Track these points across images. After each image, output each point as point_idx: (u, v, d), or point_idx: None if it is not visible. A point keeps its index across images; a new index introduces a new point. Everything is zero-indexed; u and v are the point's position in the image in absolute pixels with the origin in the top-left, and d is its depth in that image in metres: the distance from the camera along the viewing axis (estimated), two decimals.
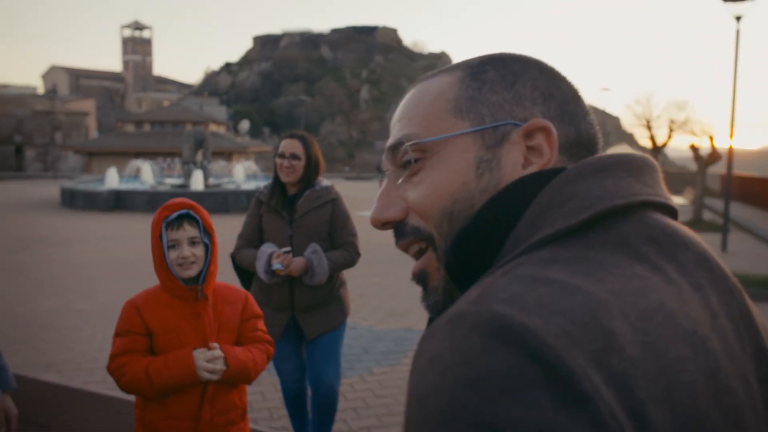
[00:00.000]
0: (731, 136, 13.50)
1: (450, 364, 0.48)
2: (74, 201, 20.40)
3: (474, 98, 0.69)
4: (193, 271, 2.07)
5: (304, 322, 3.23)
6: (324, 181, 3.35)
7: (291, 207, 3.24)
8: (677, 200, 25.86)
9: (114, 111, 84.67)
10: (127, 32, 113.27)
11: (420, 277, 0.73)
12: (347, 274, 3.52)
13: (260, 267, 3.13)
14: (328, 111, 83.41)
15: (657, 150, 21.13)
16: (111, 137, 48.55)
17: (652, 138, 21.08)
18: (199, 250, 2.08)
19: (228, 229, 3.36)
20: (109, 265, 9.85)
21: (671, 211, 0.66)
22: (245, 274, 3.41)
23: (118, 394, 4.38)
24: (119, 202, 19.68)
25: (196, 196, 18.91)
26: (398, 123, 0.74)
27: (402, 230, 0.72)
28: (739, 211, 21.29)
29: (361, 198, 21.02)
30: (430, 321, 0.72)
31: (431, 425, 0.47)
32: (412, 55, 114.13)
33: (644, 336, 0.50)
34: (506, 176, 0.67)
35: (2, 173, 43.62)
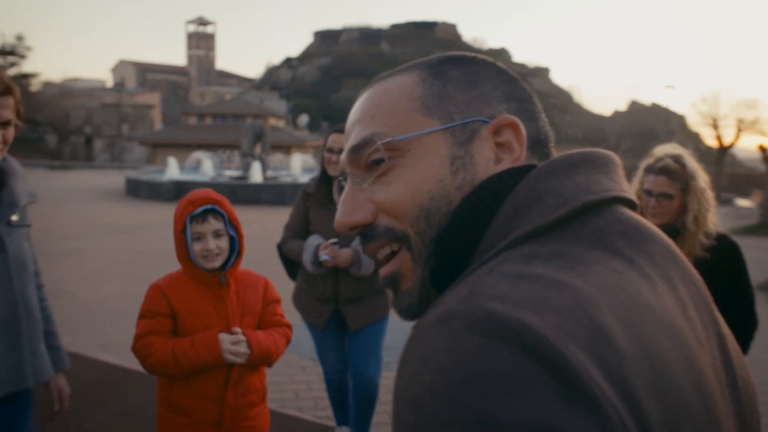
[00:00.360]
0: None
1: (445, 365, 0.47)
2: (138, 190, 21.06)
3: (441, 96, 0.69)
4: (217, 263, 2.12)
5: (347, 314, 3.27)
6: None
7: None
8: (744, 203, 24.89)
9: (178, 104, 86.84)
10: (192, 27, 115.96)
11: (391, 280, 0.71)
12: None
13: (307, 258, 3.17)
14: None
15: (724, 150, 20.45)
16: (174, 129, 49.82)
17: (719, 138, 20.40)
18: (224, 242, 2.13)
19: (284, 221, 3.44)
20: (168, 252, 10.15)
21: (634, 207, 0.67)
22: (291, 264, 3.47)
23: None
24: (180, 192, 20.20)
25: (254, 187, 19.31)
26: (359, 124, 0.72)
27: (372, 233, 0.70)
28: None
29: None
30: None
31: (429, 428, 0.45)
32: (471, 50, 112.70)
33: (630, 329, 0.50)
34: (480, 172, 0.67)
35: (73, 163, 45.36)
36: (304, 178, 21.91)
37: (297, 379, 4.87)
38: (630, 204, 0.66)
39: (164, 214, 16.29)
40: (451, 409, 0.45)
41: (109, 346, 5.52)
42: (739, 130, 20.27)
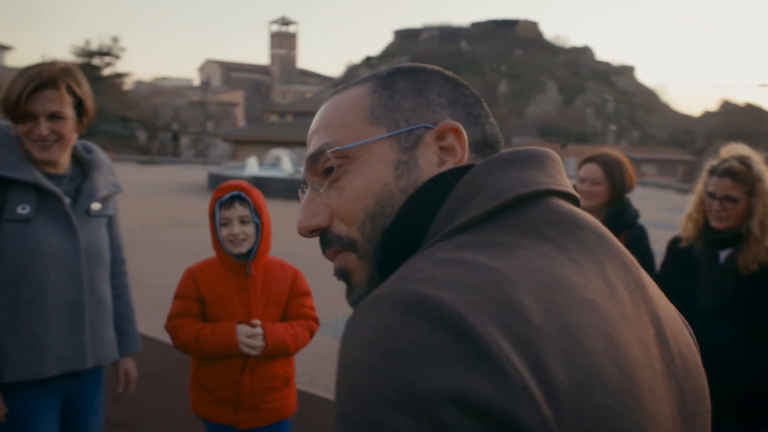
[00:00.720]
0: None
1: (373, 340, 0.52)
2: (219, 185, 21.71)
3: (387, 105, 0.74)
4: (243, 248, 2.19)
5: None
6: None
7: None
8: None
9: (260, 102, 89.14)
10: (275, 27, 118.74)
11: (342, 274, 0.76)
12: None
13: None
14: None
15: None
16: (257, 127, 51.11)
17: None
18: (249, 229, 2.20)
19: None
20: None
21: (573, 199, 0.72)
22: None
23: None
24: (259, 188, 20.55)
25: None
26: (316, 134, 0.77)
27: (327, 238, 0.75)
28: None
29: None
30: None
31: (357, 394, 0.51)
32: (553, 48, 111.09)
33: (546, 304, 0.55)
34: (424, 175, 0.72)
35: (160, 158, 47.30)
36: None
37: None
38: (569, 197, 0.71)
39: None
40: (376, 378, 0.50)
41: None
42: None
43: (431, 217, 0.69)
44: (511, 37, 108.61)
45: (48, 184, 1.95)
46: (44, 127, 1.90)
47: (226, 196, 2.21)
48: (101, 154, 2.19)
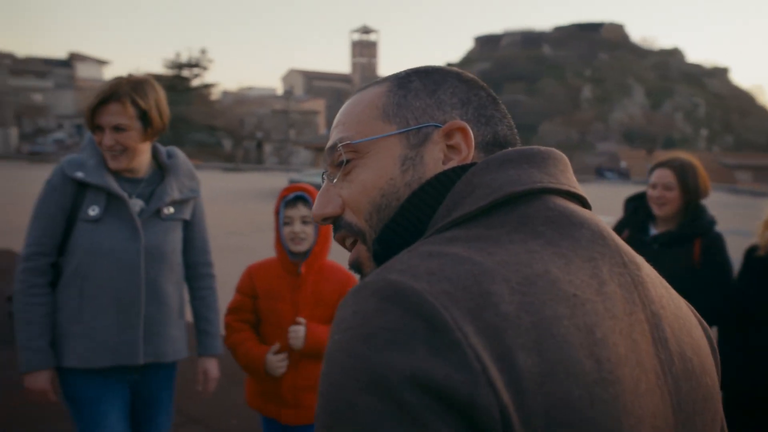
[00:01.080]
0: None
1: (351, 325, 0.56)
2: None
3: (400, 104, 0.78)
4: (302, 247, 2.29)
5: None
6: None
7: None
8: None
9: None
10: (356, 36, 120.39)
11: (355, 266, 0.81)
12: None
13: None
14: (547, 111, 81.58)
15: None
16: None
17: None
18: (310, 229, 2.31)
19: None
20: None
21: (579, 198, 0.74)
22: None
23: None
24: None
25: None
26: (335, 129, 0.82)
27: (338, 224, 0.80)
28: None
29: None
30: None
31: (334, 375, 0.55)
32: (640, 51, 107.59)
33: (522, 297, 0.57)
34: (428, 171, 0.75)
35: (244, 165, 48.72)
36: None
37: None
38: (573, 196, 0.73)
39: None
40: (350, 359, 0.54)
41: None
42: None
43: (432, 212, 0.72)
44: (596, 40, 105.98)
45: (115, 187, 2.10)
46: (109, 138, 2.07)
47: (291, 195, 2.32)
48: (180, 160, 2.32)
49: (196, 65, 65.58)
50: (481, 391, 0.51)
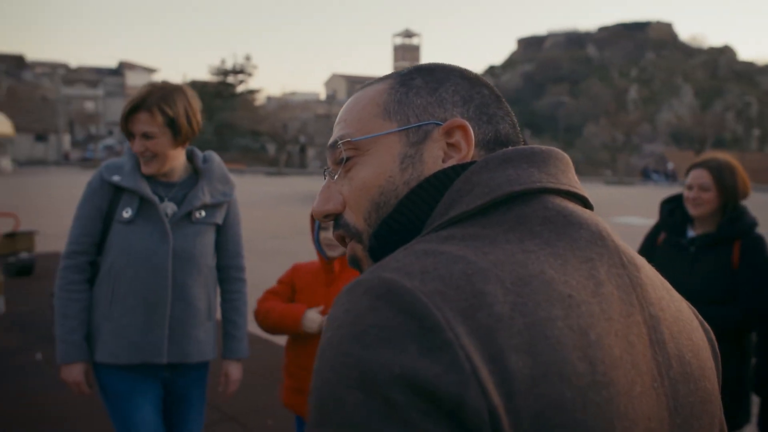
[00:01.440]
0: None
1: (343, 322, 0.56)
2: None
3: (401, 102, 0.78)
4: (336, 253, 2.35)
5: None
6: None
7: None
8: None
9: None
10: (398, 40, 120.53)
11: (353, 261, 0.81)
12: None
13: None
14: (592, 112, 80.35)
15: None
16: None
17: None
18: None
19: None
20: None
21: (580, 198, 0.73)
22: None
23: None
24: None
25: None
26: (337, 126, 0.82)
27: (338, 222, 0.80)
28: None
29: (622, 203, 19.95)
30: None
31: (325, 371, 0.55)
32: (688, 50, 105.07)
33: (516, 297, 0.56)
34: (427, 169, 0.75)
35: (287, 169, 49.34)
36: None
37: None
38: (574, 196, 0.73)
39: None
40: (340, 356, 0.54)
41: None
42: None
43: (430, 210, 0.72)
44: (642, 39, 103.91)
45: (146, 191, 2.18)
46: (139, 145, 2.16)
47: None
48: (215, 165, 2.38)
49: (240, 71, 66.64)
50: (470, 393, 0.51)
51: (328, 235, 2.33)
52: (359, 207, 0.77)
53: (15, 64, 77.60)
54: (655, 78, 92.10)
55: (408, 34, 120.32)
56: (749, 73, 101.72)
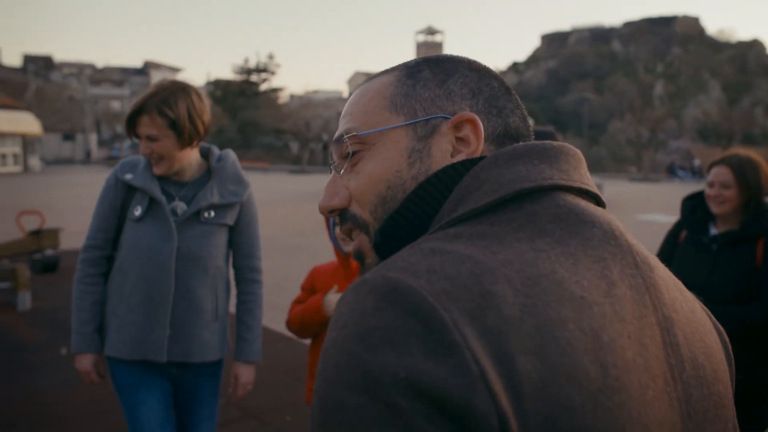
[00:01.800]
0: None
1: (347, 322, 0.55)
2: None
3: (408, 95, 0.76)
4: (350, 247, 2.27)
5: None
6: None
7: None
8: None
9: None
10: (421, 38, 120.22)
11: (358, 255, 0.79)
12: None
13: None
14: (617, 108, 79.43)
15: None
16: None
17: None
18: None
19: None
20: None
21: (592, 195, 0.71)
22: None
23: None
24: None
25: None
26: (343, 119, 0.80)
27: (345, 216, 0.78)
28: None
29: (647, 200, 19.72)
30: None
31: (328, 372, 0.54)
32: (716, 45, 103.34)
33: (525, 298, 0.55)
34: (436, 164, 0.73)
35: (310, 167, 49.52)
36: None
37: None
38: (586, 193, 0.71)
39: None
40: (343, 357, 0.53)
41: None
42: None
43: (438, 206, 0.70)
44: (668, 34, 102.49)
45: (154, 190, 2.21)
46: (144, 147, 2.19)
47: None
48: (228, 164, 2.36)
49: (264, 70, 67.00)
50: (478, 397, 0.49)
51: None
52: (365, 201, 0.75)
53: (44, 65, 78.95)
54: (681, 73, 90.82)
55: (431, 31, 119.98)
56: None
